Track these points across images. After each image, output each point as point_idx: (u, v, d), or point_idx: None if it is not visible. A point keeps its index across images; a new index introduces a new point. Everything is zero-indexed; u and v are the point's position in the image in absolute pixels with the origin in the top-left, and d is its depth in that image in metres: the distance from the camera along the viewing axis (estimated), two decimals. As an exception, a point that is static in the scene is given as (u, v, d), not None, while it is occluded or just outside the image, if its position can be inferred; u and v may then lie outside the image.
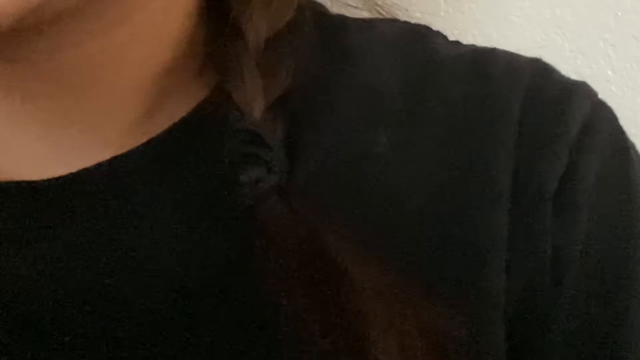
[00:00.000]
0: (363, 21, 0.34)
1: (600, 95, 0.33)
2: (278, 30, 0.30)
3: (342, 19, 0.34)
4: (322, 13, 0.34)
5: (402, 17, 0.41)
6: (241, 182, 0.29)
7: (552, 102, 0.31)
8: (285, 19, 0.31)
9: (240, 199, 0.29)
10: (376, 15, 0.36)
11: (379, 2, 0.37)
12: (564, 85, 0.32)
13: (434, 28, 0.35)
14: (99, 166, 0.29)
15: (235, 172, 0.29)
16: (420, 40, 0.33)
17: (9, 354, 0.28)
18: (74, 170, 0.29)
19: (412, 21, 0.36)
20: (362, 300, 0.27)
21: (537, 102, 0.31)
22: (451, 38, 0.35)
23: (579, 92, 0.32)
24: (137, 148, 0.29)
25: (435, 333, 0.28)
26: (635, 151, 0.32)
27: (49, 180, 0.28)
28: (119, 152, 0.29)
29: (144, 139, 0.29)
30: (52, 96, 0.28)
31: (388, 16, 0.36)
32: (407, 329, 0.28)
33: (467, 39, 0.46)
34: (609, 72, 0.46)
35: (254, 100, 0.29)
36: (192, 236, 0.29)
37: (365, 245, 0.29)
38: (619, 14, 0.46)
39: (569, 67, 0.46)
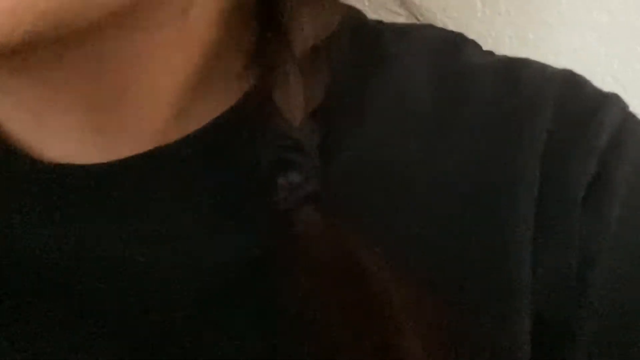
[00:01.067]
0: (399, 27, 0.35)
1: (636, 100, 0.33)
2: (324, 37, 0.31)
3: (379, 26, 0.34)
4: (359, 20, 0.34)
5: (440, 18, 0.41)
6: (278, 187, 0.29)
7: (581, 113, 0.31)
8: (330, 30, 0.31)
9: (276, 203, 0.29)
10: (413, 17, 0.37)
11: (417, 4, 0.37)
12: (594, 96, 0.32)
13: (471, 29, 0.35)
14: (140, 156, 0.29)
15: (273, 176, 0.29)
16: (453, 48, 0.34)
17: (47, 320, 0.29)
18: (113, 157, 0.29)
19: (449, 22, 0.36)
20: (392, 311, 0.28)
21: (567, 113, 0.31)
22: (487, 40, 0.35)
23: (609, 103, 0.32)
24: (177, 141, 0.30)
25: (466, 343, 0.28)
26: None
27: (94, 165, 0.29)
28: (157, 144, 0.30)
29: (184, 133, 0.30)
30: (89, 85, 0.29)
31: (425, 18, 0.36)
32: (437, 340, 0.28)
33: (503, 41, 0.46)
34: (645, 77, 0.46)
35: (296, 106, 0.29)
36: (224, 233, 0.29)
37: (395, 256, 0.29)
38: (656, 18, 0.46)
39: (605, 71, 0.46)
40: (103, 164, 0.29)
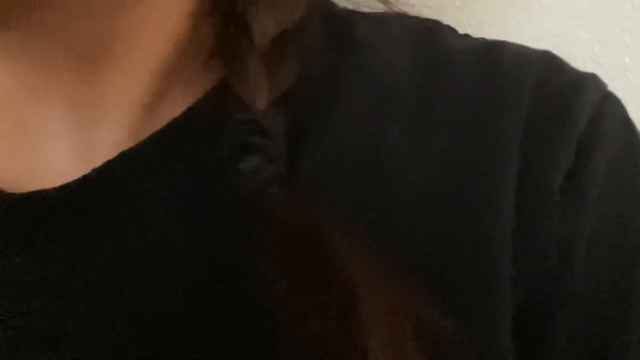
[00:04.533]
0: (372, 16, 0.34)
1: (618, 83, 0.33)
2: (287, 26, 0.30)
3: (351, 14, 0.34)
4: (330, 8, 0.34)
5: (418, 7, 0.41)
6: (240, 171, 0.29)
7: (560, 95, 0.31)
8: (294, 18, 0.31)
9: (239, 189, 0.29)
10: (391, 7, 0.36)
11: (394, -5, 0.37)
12: (572, 77, 0.32)
13: (450, 18, 0.35)
14: (104, 167, 0.29)
15: (235, 162, 0.29)
16: (429, 34, 0.33)
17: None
18: (91, 159, 0.29)
19: (428, 12, 0.35)
20: (357, 292, 0.27)
21: (546, 95, 0.31)
22: (467, 28, 0.35)
23: (588, 84, 0.32)
24: (140, 144, 0.30)
25: (429, 331, 0.28)
26: None
27: (55, 189, 0.29)
28: (130, 138, 0.30)
29: (152, 128, 0.30)
30: (67, 69, 0.29)
31: (403, 6, 0.36)
32: (399, 323, 0.28)
33: (482, 28, 0.46)
34: (627, 60, 0.46)
35: (257, 94, 0.29)
36: (194, 229, 0.29)
37: (366, 238, 0.29)
38: (636, 1, 0.45)
39: (586, 55, 0.46)
40: (74, 182, 0.29)
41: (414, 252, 0.29)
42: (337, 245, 0.28)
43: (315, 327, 0.27)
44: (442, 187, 0.30)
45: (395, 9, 0.36)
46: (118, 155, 0.29)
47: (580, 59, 0.34)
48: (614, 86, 0.33)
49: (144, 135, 0.30)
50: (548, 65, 0.32)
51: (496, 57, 0.32)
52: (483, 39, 0.34)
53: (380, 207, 0.29)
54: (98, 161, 0.29)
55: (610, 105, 0.31)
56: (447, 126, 0.31)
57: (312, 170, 0.30)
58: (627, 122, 0.32)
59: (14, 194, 0.29)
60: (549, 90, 0.31)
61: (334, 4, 0.35)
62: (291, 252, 0.28)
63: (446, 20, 0.35)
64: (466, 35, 0.34)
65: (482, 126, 0.30)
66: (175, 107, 0.30)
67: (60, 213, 0.29)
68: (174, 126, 0.30)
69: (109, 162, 0.29)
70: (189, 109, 0.30)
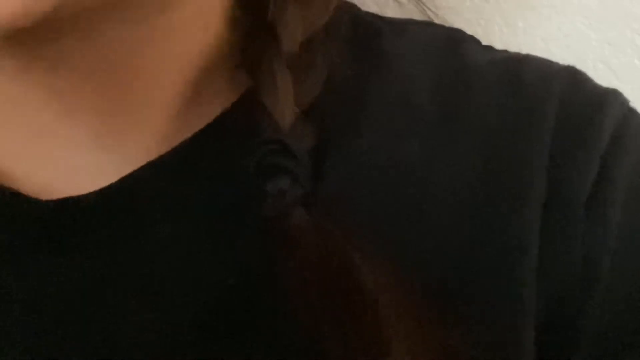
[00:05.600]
0: (396, 24, 0.34)
1: (628, 85, 0.33)
2: (313, 34, 0.30)
3: (376, 22, 0.34)
4: (355, 14, 0.34)
5: (429, 7, 0.41)
6: (266, 193, 0.29)
7: (584, 111, 0.31)
8: (321, 24, 0.30)
9: (264, 210, 0.29)
10: (403, 6, 0.36)
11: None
12: (596, 93, 0.32)
13: (460, 18, 0.35)
14: (127, 179, 0.29)
15: (261, 183, 0.29)
16: (453, 46, 0.33)
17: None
18: (119, 168, 0.29)
19: (439, 11, 0.36)
20: (381, 317, 0.28)
21: (571, 110, 0.31)
22: (477, 28, 0.35)
23: (611, 100, 0.32)
24: (166, 155, 0.29)
25: (450, 355, 0.28)
26: None
27: (82, 196, 0.29)
28: (157, 148, 0.29)
29: (179, 138, 0.30)
30: (96, 78, 0.28)
31: (414, 7, 0.36)
32: (423, 348, 0.28)
33: (493, 29, 0.46)
34: (636, 61, 0.46)
35: (284, 107, 0.29)
36: (217, 248, 0.29)
37: (389, 262, 0.29)
38: (646, 2, 0.45)
39: (596, 56, 0.46)
40: (100, 190, 0.29)
41: (436, 272, 0.29)
42: (361, 268, 0.28)
43: (339, 352, 0.27)
44: (465, 206, 0.30)
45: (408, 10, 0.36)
46: (144, 165, 0.29)
47: (589, 60, 0.34)
48: (624, 88, 0.33)
49: (170, 146, 0.30)
50: (571, 81, 0.32)
51: (520, 71, 0.32)
52: (506, 51, 0.34)
53: (402, 226, 0.29)
54: (125, 170, 0.29)
55: (632, 120, 0.32)
56: (470, 142, 0.31)
57: (334, 188, 0.30)
58: None
59: (43, 200, 0.29)
60: (573, 107, 0.31)
61: (357, 8, 0.34)
62: (315, 275, 0.28)
63: (456, 20, 0.35)
64: (489, 47, 0.34)
65: (506, 143, 0.31)
66: (203, 117, 0.30)
67: (86, 220, 0.29)
68: (201, 137, 0.30)
69: (135, 172, 0.29)
70: (216, 120, 0.30)
